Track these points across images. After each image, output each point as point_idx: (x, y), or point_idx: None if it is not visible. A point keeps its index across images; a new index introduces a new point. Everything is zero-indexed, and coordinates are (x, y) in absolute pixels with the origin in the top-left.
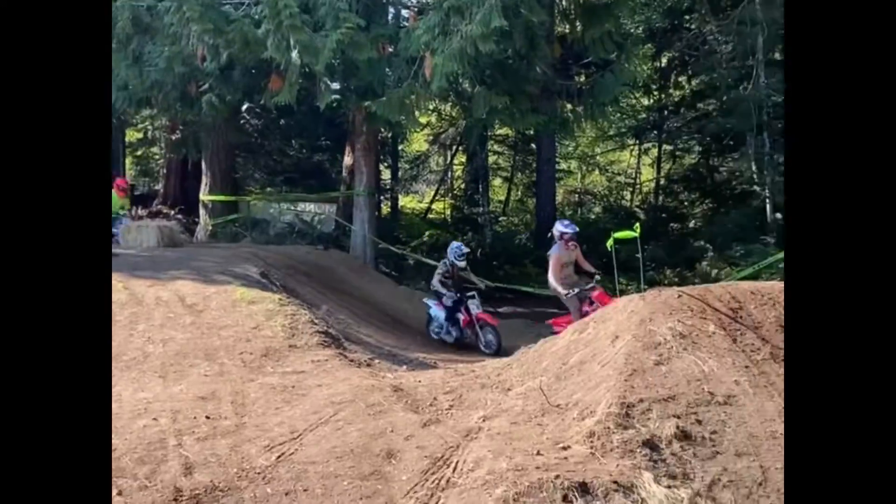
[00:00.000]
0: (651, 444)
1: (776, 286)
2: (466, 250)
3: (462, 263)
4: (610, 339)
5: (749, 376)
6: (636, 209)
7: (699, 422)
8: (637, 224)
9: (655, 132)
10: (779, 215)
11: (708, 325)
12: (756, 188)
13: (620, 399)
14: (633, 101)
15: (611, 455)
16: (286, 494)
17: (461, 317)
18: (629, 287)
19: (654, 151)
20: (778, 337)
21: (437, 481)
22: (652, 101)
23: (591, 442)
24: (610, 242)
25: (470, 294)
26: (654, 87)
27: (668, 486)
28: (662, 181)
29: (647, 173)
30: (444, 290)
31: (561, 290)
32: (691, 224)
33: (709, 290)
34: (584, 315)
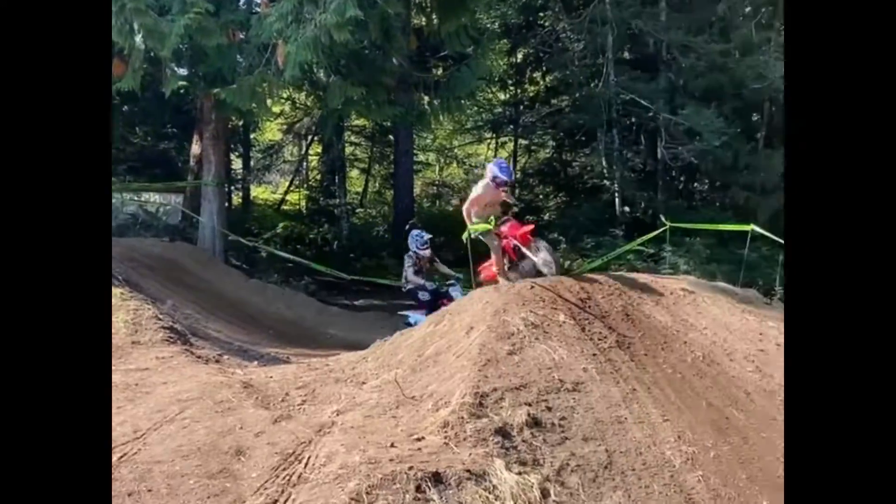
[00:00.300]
0: (503, 432)
1: (622, 276)
2: (428, 236)
3: (427, 252)
4: (465, 330)
5: (597, 364)
6: None
7: (549, 409)
8: (491, 217)
9: (511, 126)
10: (626, 208)
11: (559, 315)
12: (606, 182)
13: (474, 389)
14: (490, 96)
15: (464, 444)
16: (129, 495)
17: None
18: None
19: (511, 145)
20: (624, 325)
21: (287, 477)
22: (508, 95)
23: (445, 432)
24: (466, 235)
25: (449, 283)
26: (509, 82)
27: (519, 473)
28: (518, 175)
29: None
30: (421, 280)
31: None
32: (546, 216)
33: (560, 280)
34: (507, 254)
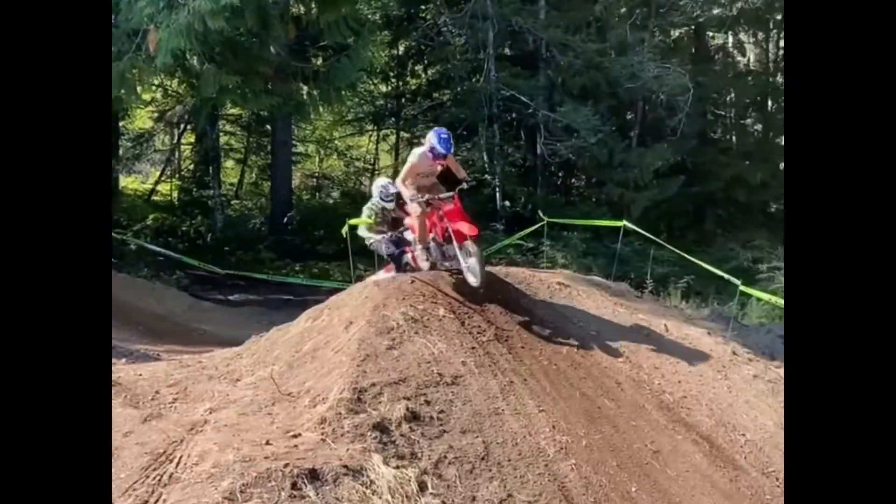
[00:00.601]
0: (381, 427)
1: (501, 270)
2: (394, 190)
3: (391, 205)
4: (344, 325)
5: (475, 357)
6: None
7: (428, 402)
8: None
9: (393, 119)
10: (507, 203)
11: (439, 310)
12: (487, 177)
13: (353, 384)
14: (371, 87)
15: (342, 440)
16: None
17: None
18: (366, 272)
19: (393, 138)
20: (502, 319)
21: (158, 477)
22: (389, 88)
23: (323, 428)
24: (345, 229)
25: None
26: (391, 74)
27: (397, 467)
28: (400, 168)
29: (386, 160)
30: (376, 237)
31: (407, 192)
32: None
33: (440, 275)
34: (434, 231)
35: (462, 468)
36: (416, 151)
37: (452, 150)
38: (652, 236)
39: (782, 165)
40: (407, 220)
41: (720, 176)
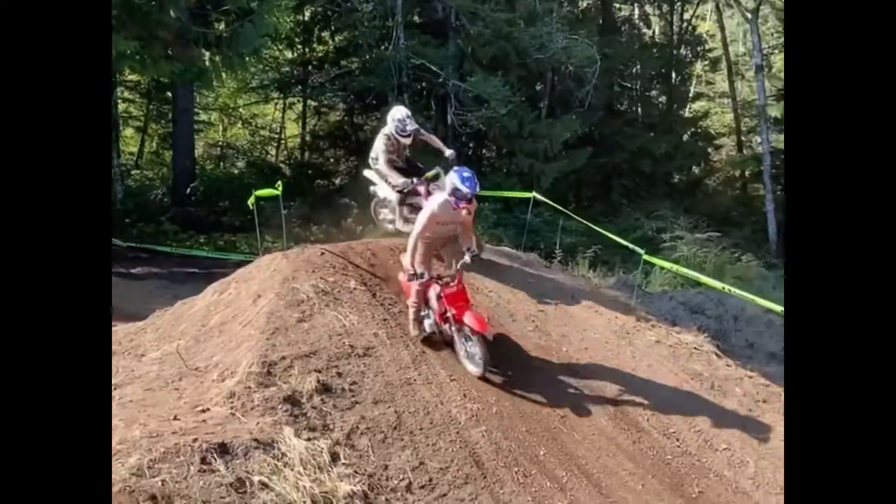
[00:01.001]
0: (292, 400)
1: None
2: (413, 127)
3: (407, 140)
4: (252, 298)
5: (387, 328)
6: (281, 165)
7: (340, 374)
8: (279, 182)
9: (300, 87)
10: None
11: (350, 282)
12: None
13: (262, 358)
14: (276, 54)
15: (252, 414)
16: None
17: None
18: (274, 245)
19: (299, 106)
20: None
21: None
22: (295, 55)
23: (232, 402)
24: (251, 200)
25: (433, 174)
26: (297, 40)
27: (309, 439)
28: (308, 137)
29: (293, 129)
30: (392, 176)
31: (406, 258)
32: (337, 181)
33: (350, 246)
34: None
35: (374, 438)
36: (432, 200)
37: (477, 189)
38: (561, 207)
39: (685, 137)
40: (400, 278)
41: (626, 147)
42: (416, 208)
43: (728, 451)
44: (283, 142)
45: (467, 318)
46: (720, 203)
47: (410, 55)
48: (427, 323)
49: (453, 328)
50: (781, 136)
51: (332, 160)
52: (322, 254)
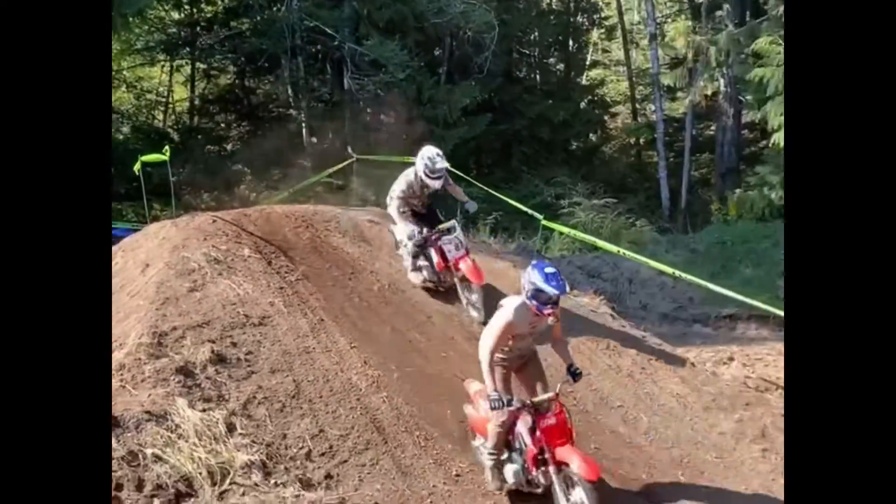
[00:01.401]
0: (185, 371)
1: (309, 209)
2: (443, 164)
3: (437, 184)
4: (140, 268)
5: (284, 297)
6: (169, 130)
7: (235, 344)
8: (167, 147)
9: (188, 49)
10: (314, 139)
11: (243, 250)
12: (292, 112)
13: (152, 329)
14: (163, 14)
15: (143, 386)
16: None
17: (434, 259)
18: (163, 213)
19: (188, 69)
20: (311, 258)
21: None
22: (183, 15)
23: (121, 375)
24: (137, 166)
25: (448, 226)
26: (184, 1)
27: (203, 410)
28: (197, 101)
29: (181, 92)
30: (401, 222)
31: (486, 371)
32: (229, 147)
33: (244, 213)
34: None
35: (272, 407)
36: (507, 308)
37: (567, 290)
38: (461, 174)
39: (583, 104)
40: (469, 412)
41: (525, 114)
42: (428, 258)
43: (622, 409)
44: (170, 106)
45: (574, 462)
46: (616, 170)
47: (304, 17)
48: (511, 470)
49: (552, 473)
50: (674, 105)
51: (222, 125)
52: (214, 221)
